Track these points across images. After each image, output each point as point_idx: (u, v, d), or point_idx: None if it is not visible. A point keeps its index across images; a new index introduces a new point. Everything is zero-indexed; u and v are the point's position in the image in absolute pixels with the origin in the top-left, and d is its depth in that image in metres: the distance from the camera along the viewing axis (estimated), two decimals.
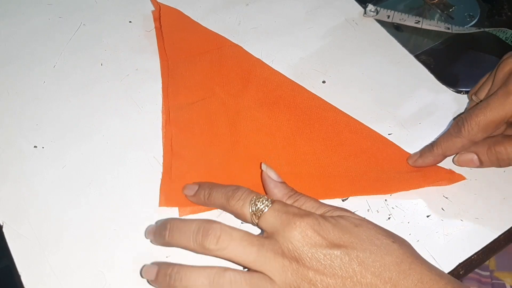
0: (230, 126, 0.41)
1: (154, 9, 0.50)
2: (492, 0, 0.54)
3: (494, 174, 0.39)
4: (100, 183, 0.39)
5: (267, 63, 0.46)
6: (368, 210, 0.38)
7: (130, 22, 0.49)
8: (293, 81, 0.44)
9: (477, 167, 0.39)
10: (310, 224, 0.31)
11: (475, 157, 0.39)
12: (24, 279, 0.34)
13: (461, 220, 0.38)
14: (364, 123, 0.42)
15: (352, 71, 0.46)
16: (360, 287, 0.30)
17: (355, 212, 0.37)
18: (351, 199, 0.38)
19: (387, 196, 0.39)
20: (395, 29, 0.50)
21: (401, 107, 0.44)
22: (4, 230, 0.36)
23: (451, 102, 0.44)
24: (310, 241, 0.30)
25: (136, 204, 0.38)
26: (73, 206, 0.37)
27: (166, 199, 0.37)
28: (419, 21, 0.50)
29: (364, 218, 0.33)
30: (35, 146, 0.41)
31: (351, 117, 0.42)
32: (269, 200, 0.33)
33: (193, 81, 0.44)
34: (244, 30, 0.49)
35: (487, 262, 0.54)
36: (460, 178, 0.39)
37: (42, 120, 0.42)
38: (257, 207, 0.33)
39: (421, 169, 0.39)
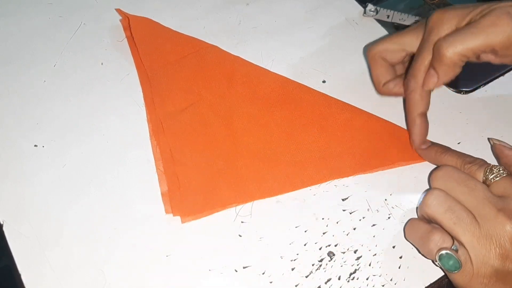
0: (225, 126, 0.41)
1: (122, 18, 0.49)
2: (491, 0, 0.54)
3: None
4: (100, 183, 0.39)
5: (267, 63, 0.46)
6: (368, 209, 0.38)
7: None
8: (274, 73, 0.45)
9: None
10: None
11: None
12: (24, 279, 0.34)
13: None
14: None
15: (352, 71, 0.47)
16: None
17: (355, 212, 0.38)
18: (351, 199, 0.38)
19: (387, 196, 0.39)
20: (395, 29, 0.50)
21: (401, 107, 0.44)
22: (4, 229, 0.36)
23: (451, 102, 0.44)
24: None
25: (136, 203, 0.38)
26: (73, 205, 0.37)
27: (177, 208, 0.37)
28: (418, 21, 0.50)
29: None
30: (35, 145, 0.41)
31: (338, 99, 0.43)
32: (505, 170, 0.34)
33: (177, 87, 0.43)
34: (244, 30, 0.49)
35: None
36: None
37: (42, 120, 0.42)
38: (491, 175, 0.34)
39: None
